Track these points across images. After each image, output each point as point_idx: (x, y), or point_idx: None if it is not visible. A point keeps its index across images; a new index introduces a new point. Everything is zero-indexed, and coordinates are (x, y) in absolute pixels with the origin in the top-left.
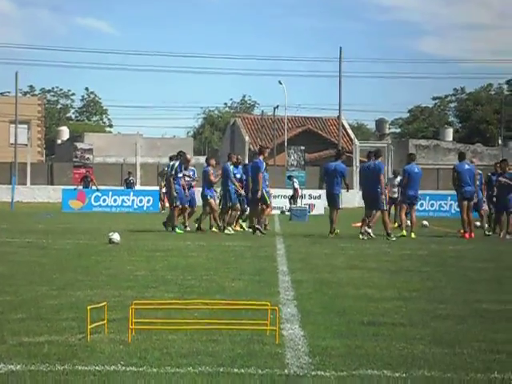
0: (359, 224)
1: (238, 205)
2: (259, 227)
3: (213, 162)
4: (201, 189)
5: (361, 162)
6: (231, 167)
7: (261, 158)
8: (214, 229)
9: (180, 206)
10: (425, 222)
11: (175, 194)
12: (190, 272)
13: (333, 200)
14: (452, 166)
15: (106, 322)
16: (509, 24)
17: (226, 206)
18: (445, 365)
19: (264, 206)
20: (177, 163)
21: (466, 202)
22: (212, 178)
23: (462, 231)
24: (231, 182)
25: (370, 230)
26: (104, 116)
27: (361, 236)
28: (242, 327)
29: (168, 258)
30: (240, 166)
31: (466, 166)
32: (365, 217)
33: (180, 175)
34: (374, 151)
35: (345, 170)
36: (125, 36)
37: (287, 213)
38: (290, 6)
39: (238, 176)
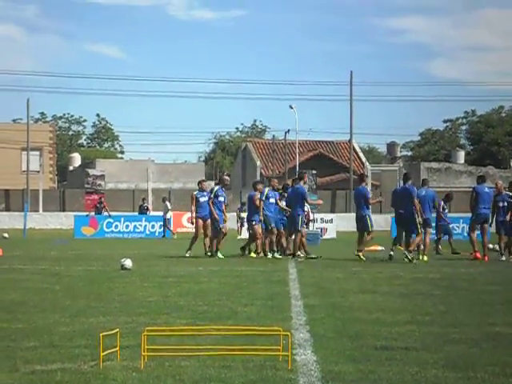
0: (373, 248)
1: (275, 229)
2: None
3: (260, 186)
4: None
5: (373, 185)
6: (267, 191)
7: (301, 183)
8: (252, 254)
9: (224, 231)
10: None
11: (217, 217)
12: (202, 297)
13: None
14: (469, 189)
15: (118, 348)
16: None
17: (266, 231)
18: None
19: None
20: (216, 187)
21: (479, 225)
22: (257, 202)
23: (472, 253)
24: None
25: (410, 255)
26: (115, 142)
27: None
28: (254, 353)
29: (180, 283)
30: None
31: (486, 189)
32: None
33: (221, 199)
34: (405, 174)
35: (368, 192)
36: (136, 61)
37: None
38: (301, 29)
39: (273, 201)
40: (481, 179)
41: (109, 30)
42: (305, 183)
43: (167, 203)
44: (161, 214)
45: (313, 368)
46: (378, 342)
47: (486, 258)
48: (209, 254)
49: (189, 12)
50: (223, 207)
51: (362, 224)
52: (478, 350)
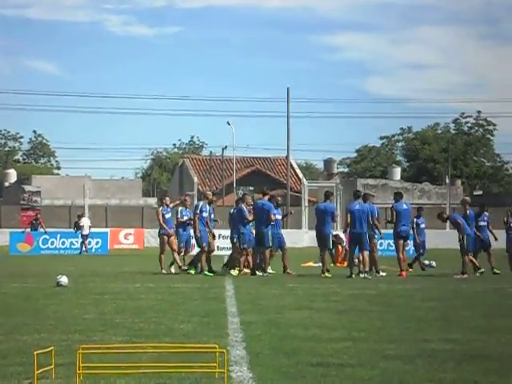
0: (308, 264)
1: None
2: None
3: (248, 199)
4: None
5: (309, 201)
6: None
7: (265, 198)
8: (234, 271)
9: (206, 249)
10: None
11: (199, 235)
12: (138, 315)
13: (324, 240)
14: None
15: (53, 366)
16: (454, 63)
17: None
18: None
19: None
20: (201, 203)
21: (401, 241)
22: (247, 216)
23: (400, 270)
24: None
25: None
26: (52, 158)
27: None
28: (190, 370)
29: (117, 300)
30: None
31: (404, 206)
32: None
33: (205, 215)
34: (358, 192)
35: (334, 209)
36: (73, 78)
37: None
38: (237, 46)
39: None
40: (398, 196)
41: (46, 46)
42: (270, 199)
43: (83, 219)
44: (98, 230)
45: None
46: (314, 359)
47: (404, 274)
48: (185, 267)
49: (126, 28)
50: (208, 222)
51: (326, 241)
52: (413, 367)
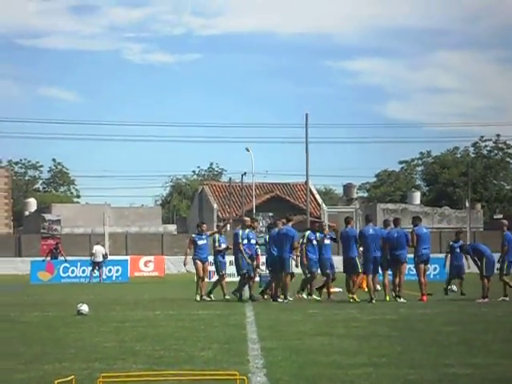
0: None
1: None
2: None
3: (255, 224)
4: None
5: (329, 227)
6: (241, 232)
7: (290, 224)
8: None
9: (247, 275)
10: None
11: (239, 262)
12: (158, 342)
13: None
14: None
15: None
16: (471, 87)
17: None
18: None
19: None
20: (241, 231)
21: (422, 265)
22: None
23: (421, 295)
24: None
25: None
26: (71, 186)
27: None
28: None
29: (137, 328)
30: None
31: (424, 230)
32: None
33: (253, 241)
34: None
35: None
36: (92, 105)
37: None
38: (255, 72)
39: (253, 242)
40: (417, 220)
41: (65, 75)
42: (313, 227)
43: (96, 247)
44: (118, 257)
45: None
46: None
47: (425, 298)
48: (205, 297)
49: (145, 56)
50: (253, 251)
51: (352, 266)
52: None
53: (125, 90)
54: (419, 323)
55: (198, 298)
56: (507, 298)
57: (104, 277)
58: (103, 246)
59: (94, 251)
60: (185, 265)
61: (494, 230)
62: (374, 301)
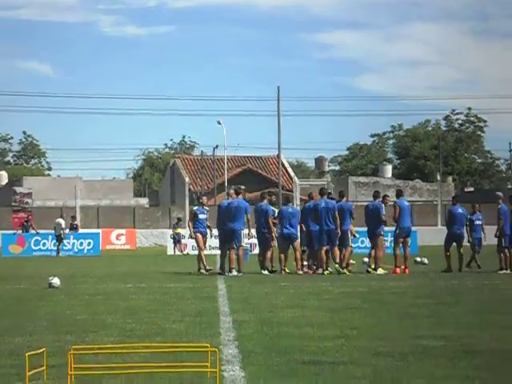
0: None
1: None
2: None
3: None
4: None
5: (301, 200)
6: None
7: (325, 197)
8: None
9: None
10: (365, 259)
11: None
12: (130, 315)
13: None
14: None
15: (45, 368)
16: (446, 60)
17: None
18: None
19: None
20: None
21: (401, 239)
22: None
23: (400, 267)
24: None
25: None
26: (43, 159)
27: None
28: (182, 370)
29: (108, 301)
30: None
31: (406, 203)
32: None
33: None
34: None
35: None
36: (64, 78)
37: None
38: (228, 45)
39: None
40: (399, 193)
41: (38, 47)
42: (326, 196)
43: (61, 220)
44: (89, 231)
45: None
46: (306, 357)
47: (407, 271)
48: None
49: (118, 28)
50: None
51: (342, 239)
52: (405, 363)
53: (98, 62)
54: (391, 296)
55: (204, 271)
56: (508, 271)
57: (76, 250)
58: (64, 218)
59: (60, 225)
60: (191, 237)
61: (465, 203)
62: (325, 272)
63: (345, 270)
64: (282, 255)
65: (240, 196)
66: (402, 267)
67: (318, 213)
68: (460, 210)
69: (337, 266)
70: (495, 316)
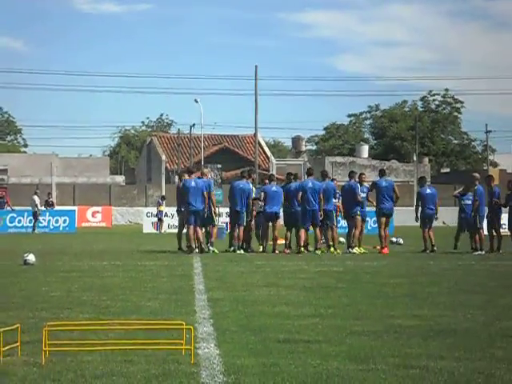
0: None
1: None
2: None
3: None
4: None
5: (278, 179)
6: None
7: (327, 180)
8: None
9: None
10: (341, 239)
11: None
12: (105, 292)
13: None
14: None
15: (19, 344)
16: (423, 41)
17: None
18: (359, 381)
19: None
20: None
21: (384, 219)
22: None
23: (378, 247)
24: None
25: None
26: (18, 136)
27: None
28: (157, 347)
29: (84, 278)
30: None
31: (384, 183)
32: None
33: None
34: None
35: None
36: (40, 55)
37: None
38: (206, 23)
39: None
40: (381, 173)
41: (14, 24)
42: (324, 179)
43: (35, 197)
44: (65, 208)
45: (215, 362)
46: (281, 335)
47: (386, 250)
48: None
49: (95, 5)
50: None
51: (328, 218)
52: (379, 342)
53: (75, 39)
54: (366, 275)
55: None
56: (482, 252)
57: (51, 227)
58: (39, 196)
59: (35, 201)
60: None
61: (441, 184)
62: (317, 252)
63: (338, 250)
64: (264, 233)
65: (193, 175)
66: (378, 247)
67: (305, 193)
68: (428, 191)
69: (332, 249)
70: (469, 296)
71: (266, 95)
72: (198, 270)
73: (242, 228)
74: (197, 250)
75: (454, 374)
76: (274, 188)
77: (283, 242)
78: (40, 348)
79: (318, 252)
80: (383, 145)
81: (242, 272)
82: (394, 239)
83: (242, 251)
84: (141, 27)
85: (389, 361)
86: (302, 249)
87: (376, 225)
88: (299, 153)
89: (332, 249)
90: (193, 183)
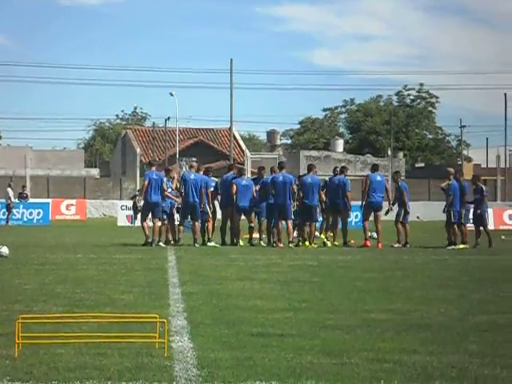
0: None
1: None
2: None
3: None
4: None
5: (252, 173)
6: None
7: (312, 173)
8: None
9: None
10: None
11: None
12: (79, 285)
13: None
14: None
15: None
16: (399, 35)
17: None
18: (332, 375)
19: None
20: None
21: (372, 212)
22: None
23: (353, 241)
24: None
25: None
26: None
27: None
28: (130, 340)
29: (57, 271)
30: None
31: (378, 178)
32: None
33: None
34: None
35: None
36: (15, 47)
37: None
38: (182, 16)
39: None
40: (374, 168)
41: None
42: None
43: (9, 190)
44: (39, 200)
45: (189, 355)
46: (255, 329)
47: (380, 245)
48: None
49: None
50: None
51: (312, 214)
52: (352, 336)
53: (52, 32)
54: (340, 269)
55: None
56: (455, 246)
57: (25, 219)
58: (13, 188)
59: (9, 194)
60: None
61: (416, 179)
62: (306, 243)
63: (314, 245)
64: (235, 228)
65: (152, 168)
66: (353, 241)
67: (276, 187)
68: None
69: (306, 243)
70: (442, 290)
71: (242, 89)
72: (172, 264)
73: (197, 223)
74: (172, 243)
75: (427, 368)
76: (243, 182)
77: (257, 235)
78: (13, 340)
79: (292, 245)
80: (358, 139)
81: (216, 265)
82: (368, 234)
83: (212, 243)
84: (116, 20)
85: (362, 355)
86: (294, 242)
87: (358, 219)
88: (274, 146)
89: (307, 242)
90: (192, 176)
